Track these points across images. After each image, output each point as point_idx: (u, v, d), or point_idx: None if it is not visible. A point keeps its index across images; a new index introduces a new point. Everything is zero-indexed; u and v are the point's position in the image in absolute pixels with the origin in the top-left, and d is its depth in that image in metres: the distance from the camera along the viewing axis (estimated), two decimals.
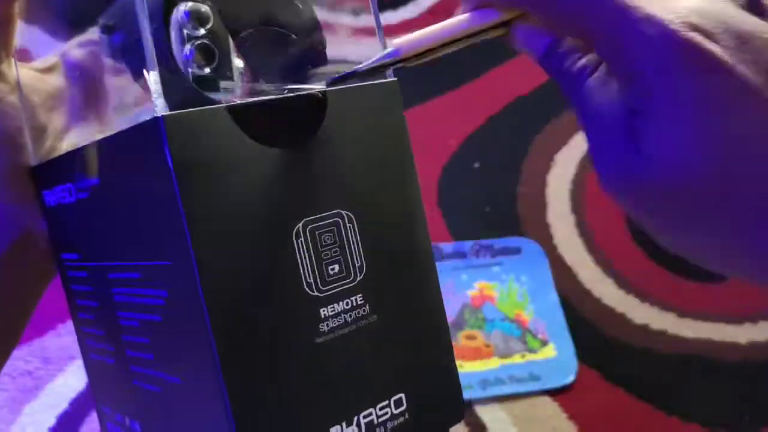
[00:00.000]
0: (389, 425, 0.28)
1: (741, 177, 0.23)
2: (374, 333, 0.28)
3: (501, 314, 0.90)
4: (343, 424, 0.27)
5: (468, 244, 0.95)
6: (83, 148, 0.29)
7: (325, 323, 0.27)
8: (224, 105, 0.25)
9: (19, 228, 0.35)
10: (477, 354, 0.86)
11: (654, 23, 0.23)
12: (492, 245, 0.96)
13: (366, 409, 0.28)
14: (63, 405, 0.76)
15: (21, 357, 0.81)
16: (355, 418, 0.27)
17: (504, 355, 0.86)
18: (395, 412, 0.29)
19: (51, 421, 0.76)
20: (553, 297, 0.92)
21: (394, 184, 0.29)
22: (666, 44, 0.23)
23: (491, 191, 1.04)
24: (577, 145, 1.07)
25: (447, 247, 0.95)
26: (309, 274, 0.27)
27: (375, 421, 0.28)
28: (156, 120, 0.24)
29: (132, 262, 0.27)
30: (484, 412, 0.82)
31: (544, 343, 0.88)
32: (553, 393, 0.84)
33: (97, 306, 0.31)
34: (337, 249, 0.27)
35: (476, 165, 1.06)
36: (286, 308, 0.26)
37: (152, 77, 0.24)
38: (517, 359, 0.86)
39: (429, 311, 0.30)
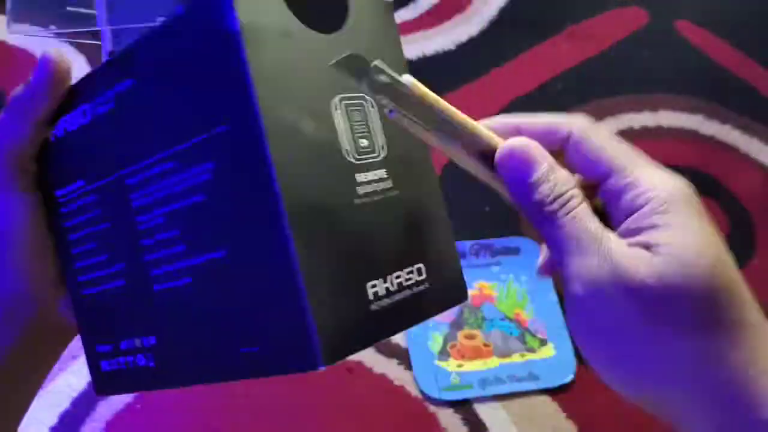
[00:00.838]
0: (415, 289, 0.32)
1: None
2: (397, 206, 0.32)
3: (500, 314, 0.90)
4: (380, 280, 0.30)
5: (468, 244, 0.95)
6: (112, 56, 0.31)
7: (360, 187, 0.31)
8: None
9: (33, 310, 0.35)
10: (476, 353, 0.86)
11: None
12: (491, 245, 0.96)
13: (396, 270, 0.31)
14: (65, 404, 0.77)
15: None
16: (389, 277, 0.31)
17: (503, 355, 0.87)
18: (418, 279, 0.32)
19: (53, 419, 0.76)
20: (553, 297, 0.92)
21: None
22: None
23: (491, 191, 1.04)
24: None
25: None
26: (346, 142, 0.30)
27: (403, 283, 0.32)
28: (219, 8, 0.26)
29: (164, 151, 0.30)
30: (484, 412, 0.82)
31: (543, 343, 0.88)
32: (553, 392, 0.84)
33: (107, 226, 0.33)
34: (365, 125, 0.31)
35: None
36: (332, 169, 0.29)
37: None
38: (516, 358, 0.86)
39: (434, 197, 0.35)
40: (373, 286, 0.30)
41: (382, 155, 0.32)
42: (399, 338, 0.87)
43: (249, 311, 0.29)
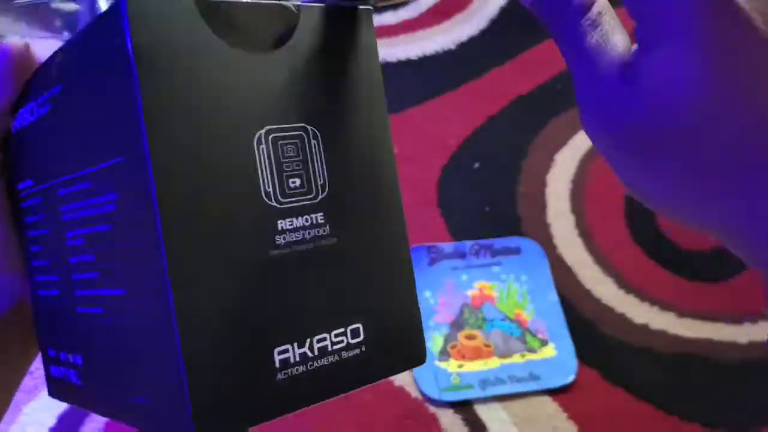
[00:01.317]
0: (344, 355, 0.27)
1: (731, 110, 0.23)
2: (333, 255, 0.27)
3: (501, 314, 0.90)
4: (295, 344, 0.26)
5: (468, 244, 0.95)
6: (50, 56, 0.29)
7: (281, 236, 0.26)
8: None
9: (9, 300, 0.34)
10: (477, 354, 0.86)
11: None
12: (492, 245, 0.96)
13: (320, 333, 0.27)
14: (63, 405, 0.77)
15: None
16: (308, 341, 0.26)
17: (504, 355, 0.86)
18: (351, 342, 0.28)
19: (51, 420, 0.76)
20: (553, 297, 0.92)
21: (363, 108, 0.29)
22: None
23: (491, 191, 1.04)
24: (577, 145, 1.07)
25: (447, 247, 0.95)
26: (268, 183, 0.26)
27: (329, 348, 0.27)
28: (118, 2, 0.23)
29: (84, 170, 0.27)
30: (484, 412, 0.82)
31: (543, 343, 0.88)
32: (553, 393, 0.84)
33: (48, 232, 0.30)
34: (299, 163, 0.27)
35: (476, 165, 1.07)
36: (242, 214, 0.25)
37: None
38: (516, 359, 0.86)
39: (392, 243, 0.29)
40: (283, 352, 0.26)
41: (321, 196, 0.27)
42: None
43: (139, 360, 0.26)
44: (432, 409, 0.82)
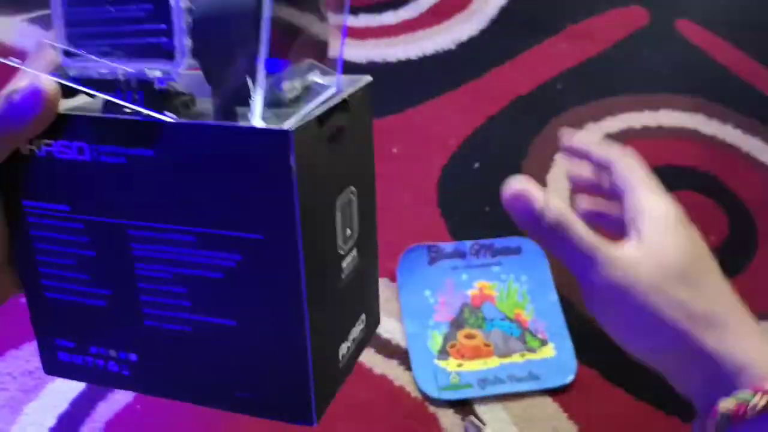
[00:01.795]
0: (359, 338, 0.39)
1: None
2: (359, 274, 0.38)
3: (501, 314, 0.90)
4: (346, 341, 0.37)
5: (468, 244, 0.95)
6: (136, 122, 0.32)
7: (343, 272, 0.36)
8: (315, 116, 0.31)
9: None
10: (476, 353, 0.86)
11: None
12: (492, 245, 0.96)
13: (352, 328, 0.38)
14: (63, 405, 0.77)
15: (22, 357, 0.81)
16: (349, 336, 0.37)
17: (503, 355, 0.86)
18: (362, 327, 0.39)
19: (52, 421, 0.76)
20: (553, 297, 0.92)
21: (370, 166, 0.39)
22: None
23: (491, 191, 1.03)
24: None
25: (447, 246, 0.95)
26: (339, 235, 0.35)
27: (356, 337, 0.38)
28: (285, 133, 0.29)
29: (185, 227, 0.32)
30: (484, 412, 0.82)
31: (543, 343, 0.88)
32: (553, 392, 0.84)
33: (94, 255, 0.35)
34: (350, 216, 0.36)
35: (476, 165, 1.07)
36: (331, 261, 0.34)
37: (258, 96, 0.30)
38: (516, 359, 0.86)
39: (373, 258, 0.40)
40: (342, 348, 0.36)
41: (356, 236, 0.37)
42: (399, 338, 0.87)
43: (251, 368, 0.34)
44: (432, 408, 0.82)
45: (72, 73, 0.33)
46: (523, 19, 1.28)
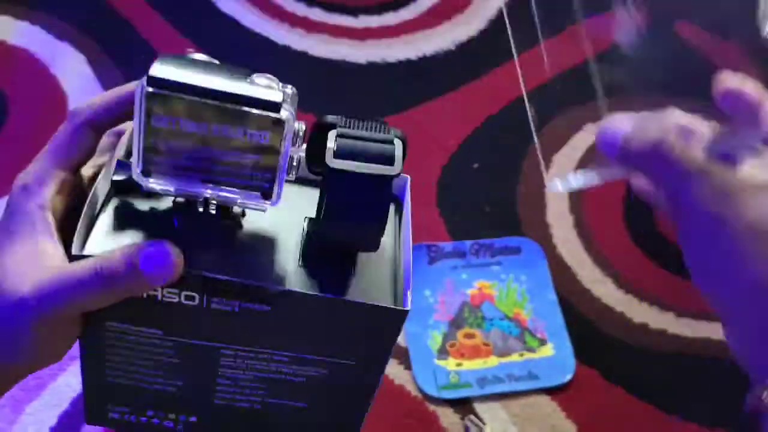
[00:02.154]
0: None
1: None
2: None
3: (500, 313, 0.91)
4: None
5: (468, 244, 0.95)
6: (257, 287, 0.34)
7: None
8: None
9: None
10: (476, 352, 0.86)
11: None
12: (491, 245, 0.96)
13: None
14: (64, 404, 0.77)
15: None
16: None
17: (503, 354, 0.87)
18: None
19: (52, 420, 0.76)
20: (552, 296, 0.92)
21: None
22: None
23: (491, 191, 1.04)
24: (577, 145, 1.07)
25: (447, 246, 0.95)
26: None
27: None
28: (405, 312, 0.34)
29: (278, 351, 0.36)
30: (483, 411, 0.82)
31: (542, 342, 0.88)
32: (552, 392, 0.84)
33: (177, 362, 0.37)
34: None
35: (476, 165, 1.07)
36: None
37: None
38: (515, 358, 0.86)
39: None
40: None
41: None
42: (399, 337, 0.87)
43: None
44: (431, 407, 0.82)
45: (147, 186, 0.33)
46: (523, 19, 1.28)
